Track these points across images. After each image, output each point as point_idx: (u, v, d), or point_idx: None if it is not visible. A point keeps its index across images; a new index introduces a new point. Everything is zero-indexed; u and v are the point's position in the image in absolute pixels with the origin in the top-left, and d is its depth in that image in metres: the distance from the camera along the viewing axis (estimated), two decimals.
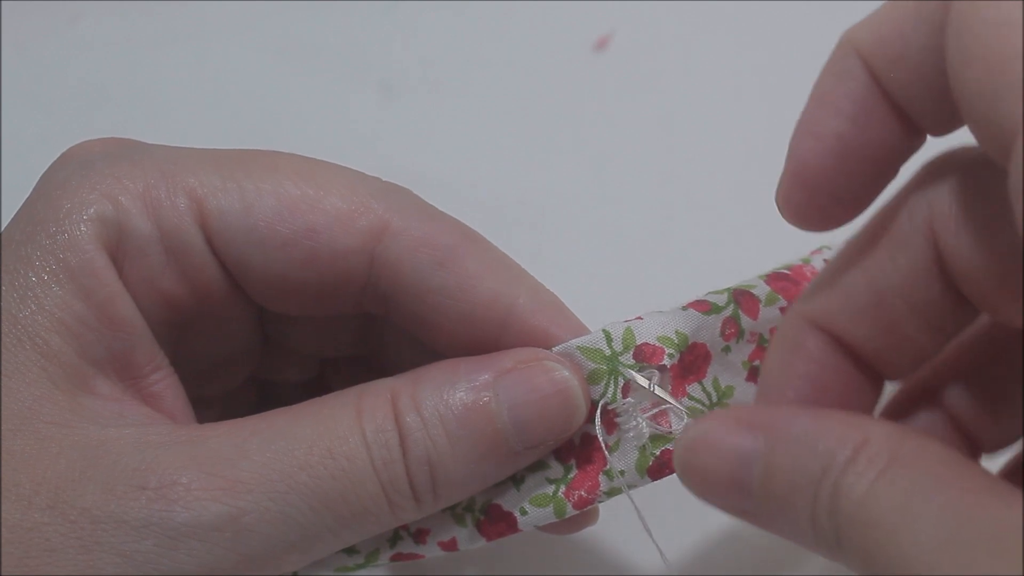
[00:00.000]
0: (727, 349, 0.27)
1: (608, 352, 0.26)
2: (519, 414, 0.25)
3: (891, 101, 0.22)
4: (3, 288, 0.24)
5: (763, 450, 0.22)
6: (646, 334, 0.26)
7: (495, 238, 0.28)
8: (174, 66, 0.53)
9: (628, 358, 0.26)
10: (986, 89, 0.18)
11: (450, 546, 0.27)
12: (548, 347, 0.26)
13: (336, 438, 0.24)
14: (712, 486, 0.23)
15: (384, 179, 0.28)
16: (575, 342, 0.26)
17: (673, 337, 0.26)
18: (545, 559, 0.35)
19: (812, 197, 0.23)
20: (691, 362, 0.27)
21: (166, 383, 0.26)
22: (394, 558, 0.27)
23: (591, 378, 0.26)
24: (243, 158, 0.27)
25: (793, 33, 0.50)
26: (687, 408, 0.27)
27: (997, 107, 0.18)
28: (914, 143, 0.22)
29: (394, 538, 0.27)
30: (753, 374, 0.28)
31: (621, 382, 0.26)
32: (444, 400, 0.25)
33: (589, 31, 0.51)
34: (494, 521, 0.27)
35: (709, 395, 0.27)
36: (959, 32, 0.19)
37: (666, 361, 0.26)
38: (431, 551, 0.27)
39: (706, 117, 0.48)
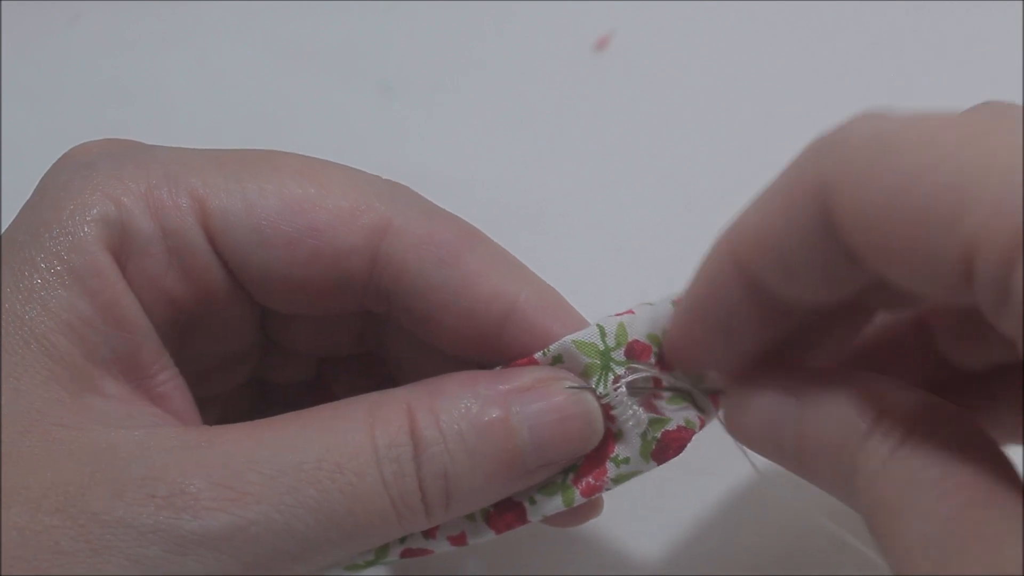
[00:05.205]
0: None
1: (602, 347, 0.26)
2: (539, 432, 0.25)
3: (762, 297, 0.23)
4: (8, 290, 0.24)
5: (794, 415, 0.23)
6: (637, 331, 0.27)
7: (495, 237, 0.28)
8: (174, 66, 0.53)
9: (620, 354, 0.27)
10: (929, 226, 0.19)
11: (459, 540, 0.27)
12: (549, 344, 0.27)
13: (345, 453, 0.24)
14: (754, 443, 0.25)
15: (382, 177, 0.28)
16: (570, 337, 0.26)
17: (659, 335, 0.27)
18: (546, 556, 0.35)
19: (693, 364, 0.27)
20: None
21: (173, 383, 0.26)
22: (404, 554, 0.27)
23: (586, 372, 0.27)
24: (245, 158, 0.27)
25: (793, 33, 0.50)
26: (668, 397, 0.27)
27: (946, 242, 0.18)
28: (786, 319, 0.24)
29: None
30: None
31: (611, 377, 0.27)
32: (464, 414, 0.25)
33: (589, 31, 0.51)
34: (503, 512, 0.27)
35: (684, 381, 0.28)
36: (865, 190, 0.20)
37: (652, 359, 0.27)
38: (440, 546, 0.27)
39: (706, 117, 0.48)
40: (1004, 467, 0.20)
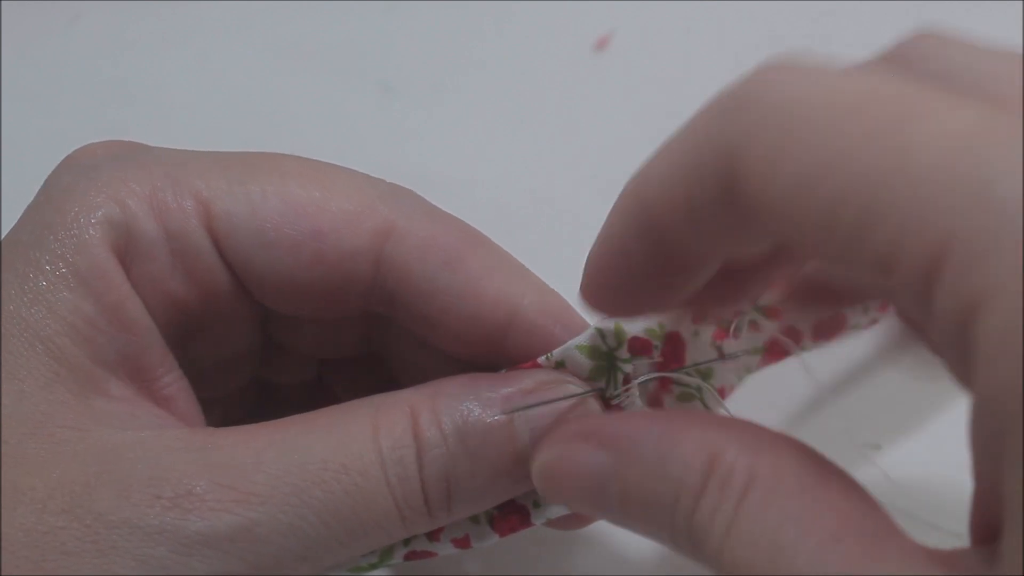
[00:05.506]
0: (696, 333, 0.28)
1: (605, 348, 0.26)
2: (541, 435, 0.25)
3: (670, 247, 0.21)
4: (13, 292, 0.24)
5: (613, 470, 0.21)
6: (634, 327, 0.27)
7: (495, 237, 0.28)
8: (174, 66, 0.53)
9: (623, 353, 0.27)
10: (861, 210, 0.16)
11: (463, 543, 0.27)
12: (552, 347, 0.27)
13: (350, 454, 0.24)
14: (576, 505, 0.23)
15: (385, 180, 0.28)
16: (573, 343, 0.26)
17: (656, 328, 0.27)
18: (547, 557, 0.35)
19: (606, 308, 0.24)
20: (670, 352, 0.27)
21: (177, 386, 0.26)
22: (408, 556, 0.27)
23: (593, 375, 0.27)
24: (249, 161, 0.27)
25: (793, 33, 0.50)
26: (677, 395, 0.27)
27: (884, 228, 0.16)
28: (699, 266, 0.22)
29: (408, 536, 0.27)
30: (720, 353, 0.28)
31: (620, 377, 0.27)
32: (465, 416, 0.25)
33: (589, 31, 0.51)
34: (506, 515, 0.27)
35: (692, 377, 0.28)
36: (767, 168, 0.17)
37: (655, 353, 0.27)
38: (444, 549, 0.27)
39: None
40: (869, 499, 0.18)
